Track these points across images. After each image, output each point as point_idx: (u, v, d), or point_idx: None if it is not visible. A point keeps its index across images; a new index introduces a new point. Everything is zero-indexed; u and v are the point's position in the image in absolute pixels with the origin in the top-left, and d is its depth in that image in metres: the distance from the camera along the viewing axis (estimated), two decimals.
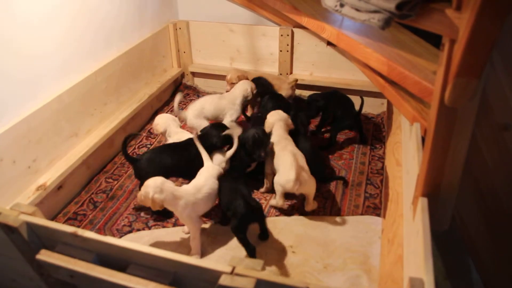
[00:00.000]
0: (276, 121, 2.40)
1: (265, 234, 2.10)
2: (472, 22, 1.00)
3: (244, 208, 1.92)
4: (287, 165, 2.12)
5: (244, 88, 2.77)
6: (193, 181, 2.07)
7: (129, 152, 2.79)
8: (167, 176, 2.09)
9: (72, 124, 2.44)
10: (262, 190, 2.43)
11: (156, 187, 1.89)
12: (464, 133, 1.32)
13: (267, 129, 2.39)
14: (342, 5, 1.45)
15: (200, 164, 2.20)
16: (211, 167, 2.16)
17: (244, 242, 1.94)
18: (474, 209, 1.88)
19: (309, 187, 2.16)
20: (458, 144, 1.34)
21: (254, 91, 2.79)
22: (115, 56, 2.80)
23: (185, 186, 2.03)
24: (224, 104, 2.74)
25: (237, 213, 1.93)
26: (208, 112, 2.72)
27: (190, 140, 2.28)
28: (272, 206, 2.31)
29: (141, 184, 2.18)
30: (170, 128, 2.47)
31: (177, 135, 2.43)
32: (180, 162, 2.23)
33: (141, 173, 2.19)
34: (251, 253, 1.94)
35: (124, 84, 2.91)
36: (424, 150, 1.45)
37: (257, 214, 2.02)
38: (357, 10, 1.37)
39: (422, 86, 1.55)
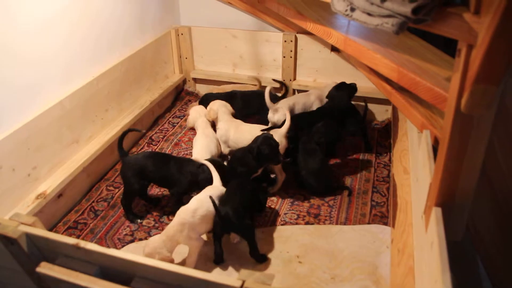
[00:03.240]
0: (219, 107, 2.67)
1: (253, 254, 1.99)
2: (494, 27, 0.96)
3: (219, 219, 1.91)
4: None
5: (329, 84, 2.84)
6: (187, 205, 1.99)
7: None
8: (144, 181, 2.23)
9: (73, 130, 2.40)
10: (274, 190, 2.44)
11: (150, 254, 1.85)
12: (481, 141, 1.27)
13: (213, 116, 2.65)
14: (353, 9, 1.41)
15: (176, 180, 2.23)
16: (213, 188, 2.09)
17: (215, 243, 1.97)
18: (489, 218, 1.83)
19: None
20: (474, 152, 1.29)
21: None
22: (117, 61, 2.76)
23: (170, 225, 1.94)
24: (312, 100, 2.84)
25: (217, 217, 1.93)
26: (298, 110, 2.80)
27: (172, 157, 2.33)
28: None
29: (124, 184, 2.25)
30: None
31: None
32: (159, 171, 2.23)
33: (124, 171, 2.22)
34: (216, 259, 1.99)
35: (126, 90, 2.87)
36: (437, 158, 1.41)
37: (239, 231, 1.99)
38: (369, 14, 1.33)
39: (435, 93, 1.51)
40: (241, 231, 1.98)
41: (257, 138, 2.26)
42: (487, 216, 1.85)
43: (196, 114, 2.79)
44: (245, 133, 2.50)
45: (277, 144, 2.22)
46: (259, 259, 1.99)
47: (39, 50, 2.18)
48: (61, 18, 2.28)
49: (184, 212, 1.92)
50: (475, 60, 1.08)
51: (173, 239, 1.87)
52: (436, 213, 1.36)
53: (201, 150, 2.51)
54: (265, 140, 2.20)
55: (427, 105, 1.88)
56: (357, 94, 2.94)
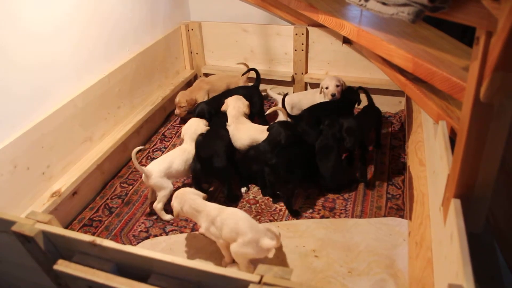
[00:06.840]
0: (230, 103, 2.61)
1: (288, 208, 2.26)
2: None
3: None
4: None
5: (322, 83, 2.76)
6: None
7: (142, 156, 2.75)
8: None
9: (85, 128, 2.40)
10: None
11: (176, 197, 1.94)
12: (501, 131, 1.24)
13: (224, 108, 2.63)
14: None
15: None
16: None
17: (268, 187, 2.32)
18: (508, 208, 1.80)
19: None
20: (493, 143, 1.26)
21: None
22: (128, 58, 2.76)
23: (211, 204, 1.93)
24: (317, 97, 2.81)
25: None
26: (306, 105, 2.79)
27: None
28: None
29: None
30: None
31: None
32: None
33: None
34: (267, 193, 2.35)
35: (137, 87, 2.87)
36: (455, 149, 1.38)
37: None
38: (384, 4, 1.30)
39: (452, 83, 1.48)
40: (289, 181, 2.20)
41: (279, 131, 2.27)
42: (506, 205, 1.82)
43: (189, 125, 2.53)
44: (240, 132, 2.50)
45: (299, 133, 2.27)
46: (294, 214, 2.23)
47: (52, 51, 2.19)
48: (72, 19, 2.29)
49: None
50: (495, 48, 1.05)
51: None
52: (455, 205, 1.34)
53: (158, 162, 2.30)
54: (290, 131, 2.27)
55: (442, 95, 1.85)
56: (370, 86, 2.91)
